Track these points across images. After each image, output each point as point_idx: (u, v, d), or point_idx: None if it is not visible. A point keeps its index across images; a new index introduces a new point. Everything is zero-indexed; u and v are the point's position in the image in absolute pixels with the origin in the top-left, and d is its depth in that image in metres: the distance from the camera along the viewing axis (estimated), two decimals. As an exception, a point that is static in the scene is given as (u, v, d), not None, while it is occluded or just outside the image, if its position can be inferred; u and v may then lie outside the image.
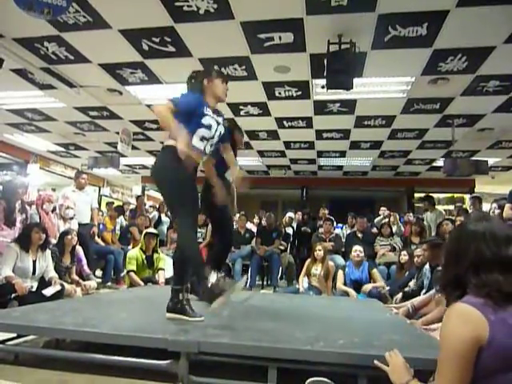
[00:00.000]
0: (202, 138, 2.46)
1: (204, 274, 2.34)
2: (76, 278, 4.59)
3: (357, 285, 5.08)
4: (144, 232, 5.29)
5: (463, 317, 1.06)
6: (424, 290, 3.94)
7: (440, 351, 1.11)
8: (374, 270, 5.10)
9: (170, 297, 2.48)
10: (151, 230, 5.53)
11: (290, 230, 7.75)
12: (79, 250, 4.93)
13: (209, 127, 2.47)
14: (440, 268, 2.88)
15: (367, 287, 4.88)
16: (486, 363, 1.03)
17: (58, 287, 3.88)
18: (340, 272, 5.23)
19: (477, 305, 1.06)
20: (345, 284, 5.12)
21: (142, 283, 4.85)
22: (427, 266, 4.07)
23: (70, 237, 4.54)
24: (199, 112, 2.44)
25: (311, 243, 6.15)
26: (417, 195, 11.40)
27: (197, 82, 2.58)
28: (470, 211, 6.87)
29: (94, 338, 2.09)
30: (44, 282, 3.94)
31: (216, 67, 4.79)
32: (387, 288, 4.81)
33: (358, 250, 5.17)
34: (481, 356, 1.03)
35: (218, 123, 2.54)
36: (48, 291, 3.75)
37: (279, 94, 5.64)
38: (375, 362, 1.54)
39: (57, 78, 5.20)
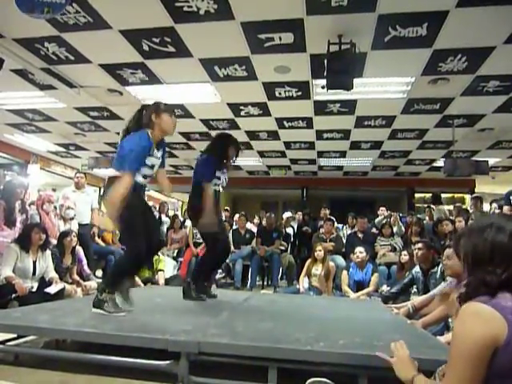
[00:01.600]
0: (144, 176, 2.72)
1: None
2: (76, 278, 4.59)
3: (359, 286, 5.08)
4: None
5: (480, 316, 1.03)
6: (421, 293, 3.93)
7: (452, 349, 1.09)
8: (375, 275, 5.08)
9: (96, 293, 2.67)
10: None
11: (290, 231, 7.75)
12: (79, 250, 4.92)
13: (152, 167, 2.73)
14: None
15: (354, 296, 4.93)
16: (502, 364, 1.00)
17: (61, 285, 3.89)
18: (344, 273, 5.23)
19: (495, 304, 1.04)
20: (348, 285, 5.13)
21: (142, 284, 4.85)
22: (417, 269, 4.07)
23: (69, 238, 4.53)
24: (145, 154, 2.63)
25: (312, 243, 6.15)
26: (417, 195, 11.41)
27: (145, 116, 2.73)
28: (470, 211, 6.89)
29: (94, 339, 2.09)
30: (44, 283, 3.94)
31: (216, 67, 4.81)
32: (388, 288, 4.80)
33: (357, 252, 5.15)
34: (496, 356, 1.00)
35: (158, 159, 2.80)
36: (52, 289, 3.77)
37: (279, 94, 5.64)
38: (377, 353, 1.53)
39: (57, 78, 5.19)
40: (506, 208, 4.63)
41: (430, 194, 8.28)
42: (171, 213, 9.32)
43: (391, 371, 1.47)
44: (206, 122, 7.01)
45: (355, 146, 8.18)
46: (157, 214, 8.18)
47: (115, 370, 1.98)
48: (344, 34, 3.94)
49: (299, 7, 3.60)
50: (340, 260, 5.97)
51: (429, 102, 5.77)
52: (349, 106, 6.03)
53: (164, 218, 8.15)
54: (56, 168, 10.81)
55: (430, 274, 3.87)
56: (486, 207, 7.19)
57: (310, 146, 8.30)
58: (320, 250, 5.31)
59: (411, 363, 1.36)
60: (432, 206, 7.58)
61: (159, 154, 2.80)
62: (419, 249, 4.00)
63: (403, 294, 4.16)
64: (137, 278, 4.89)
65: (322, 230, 6.66)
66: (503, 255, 1.13)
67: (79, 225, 5.49)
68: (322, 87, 4.27)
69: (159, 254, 5.37)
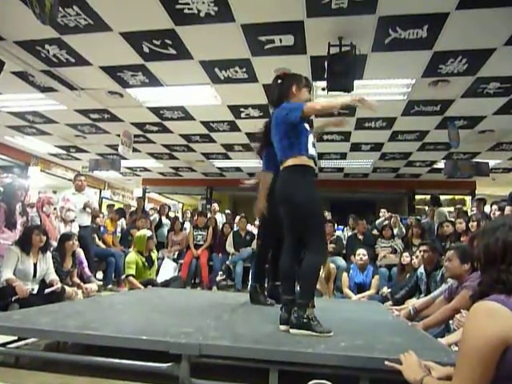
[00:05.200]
0: (313, 145, 2.50)
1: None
2: (77, 280, 4.58)
3: (360, 288, 5.07)
4: (144, 236, 5.25)
5: (492, 314, 1.02)
6: (423, 295, 3.93)
7: (462, 347, 1.08)
8: (376, 277, 5.07)
9: (294, 311, 2.24)
10: (149, 232, 5.51)
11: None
12: (80, 252, 4.92)
13: (311, 132, 2.49)
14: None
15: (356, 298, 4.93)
16: (510, 364, 0.99)
17: (57, 286, 3.88)
18: (344, 275, 5.22)
19: (507, 303, 1.03)
20: (348, 287, 5.12)
21: (141, 287, 4.84)
22: (422, 270, 4.06)
23: (71, 242, 4.52)
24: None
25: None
26: (418, 197, 11.40)
27: (285, 85, 2.54)
28: (470, 213, 6.88)
29: (95, 341, 2.08)
30: (45, 285, 3.94)
31: (216, 69, 4.81)
32: (389, 290, 4.80)
33: (361, 254, 5.14)
34: (506, 356, 0.99)
35: None
36: (47, 290, 3.79)
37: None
38: (386, 362, 1.53)
39: (58, 80, 5.20)
40: (508, 208, 4.61)
41: (429, 196, 8.27)
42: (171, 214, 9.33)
43: (393, 373, 1.47)
44: (206, 123, 7.01)
45: (355, 147, 8.18)
46: (157, 216, 8.20)
47: (116, 372, 1.98)
48: (344, 36, 3.95)
49: (299, 9, 3.60)
50: (341, 261, 5.96)
51: (429, 104, 5.77)
52: (349, 108, 6.02)
53: (164, 220, 8.16)
54: (56, 170, 10.83)
55: (432, 275, 3.87)
56: (486, 209, 7.18)
57: (311, 147, 8.29)
58: (320, 252, 5.30)
59: (419, 366, 1.37)
60: (433, 208, 7.56)
61: None
62: (425, 251, 3.99)
63: (411, 297, 4.14)
64: (135, 282, 4.89)
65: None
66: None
67: (80, 227, 5.49)
68: (323, 89, 4.28)
69: (154, 251, 5.39)
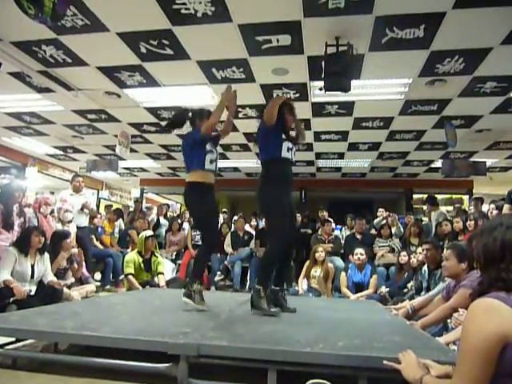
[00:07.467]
0: (212, 161, 3.28)
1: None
2: (73, 279, 4.57)
3: (358, 288, 5.08)
4: (143, 236, 5.25)
5: (491, 311, 1.02)
6: (423, 292, 3.94)
7: (461, 345, 1.08)
8: (374, 277, 5.09)
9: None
10: (150, 232, 5.51)
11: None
12: (76, 252, 4.90)
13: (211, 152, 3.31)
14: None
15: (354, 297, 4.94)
16: (510, 361, 0.99)
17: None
18: (342, 274, 5.23)
19: (507, 300, 1.03)
20: (347, 286, 5.13)
21: (139, 287, 4.82)
22: (425, 268, 4.07)
23: (68, 240, 4.51)
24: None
25: (310, 245, 6.14)
26: (415, 196, 11.43)
27: (192, 119, 3.50)
28: (468, 212, 6.90)
29: (93, 342, 2.08)
30: (42, 286, 3.93)
31: (214, 69, 4.82)
32: (387, 289, 4.81)
33: (359, 253, 5.15)
34: (506, 353, 0.99)
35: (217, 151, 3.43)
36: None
37: (277, 96, 5.63)
38: (385, 362, 1.53)
39: (54, 81, 5.19)
40: (506, 206, 4.64)
41: (426, 196, 8.28)
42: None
43: (391, 372, 1.47)
44: (204, 124, 6.99)
45: (353, 147, 8.19)
46: (155, 217, 8.20)
47: (114, 373, 1.97)
48: (341, 36, 3.95)
49: (297, 9, 3.61)
50: (339, 261, 5.97)
51: (426, 104, 5.77)
52: (346, 108, 6.04)
53: (162, 220, 8.15)
54: (54, 171, 10.79)
55: (432, 274, 3.88)
56: (483, 208, 7.20)
57: (308, 147, 8.29)
58: (322, 251, 5.31)
59: (418, 365, 1.37)
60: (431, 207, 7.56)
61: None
62: (427, 249, 3.98)
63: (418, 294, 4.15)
64: (134, 281, 4.87)
65: (320, 232, 6.66)
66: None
67: (77, 228, 5.48)
68: (320, 89, 4.28)
69: (157, 255, 5.36)
